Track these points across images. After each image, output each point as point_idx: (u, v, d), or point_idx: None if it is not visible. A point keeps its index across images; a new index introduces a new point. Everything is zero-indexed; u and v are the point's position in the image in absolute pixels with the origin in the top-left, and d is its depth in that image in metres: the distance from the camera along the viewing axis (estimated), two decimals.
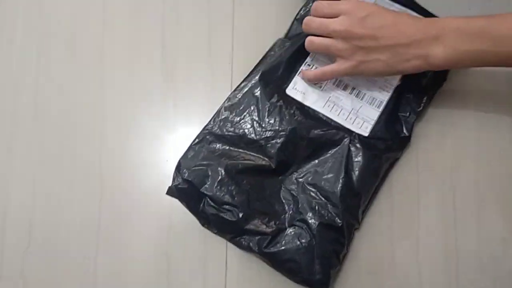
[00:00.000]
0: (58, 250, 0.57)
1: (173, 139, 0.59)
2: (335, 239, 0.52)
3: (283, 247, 0.52)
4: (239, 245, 0.53)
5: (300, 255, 0.51)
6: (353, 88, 0.57)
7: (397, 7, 0.57)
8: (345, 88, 0.57)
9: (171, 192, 0.53)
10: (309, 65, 0.57)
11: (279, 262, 0.52)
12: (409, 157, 0.57)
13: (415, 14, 0.56)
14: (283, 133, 0.54)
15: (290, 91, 0.57)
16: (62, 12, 0.63)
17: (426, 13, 0.57)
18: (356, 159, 0.54)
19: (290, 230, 0.53)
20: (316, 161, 0.54)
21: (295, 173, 0.55)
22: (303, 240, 0.52)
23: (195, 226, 0.54)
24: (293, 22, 0.59)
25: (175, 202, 0.54)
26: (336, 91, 0.57)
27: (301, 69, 0.57)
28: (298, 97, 0.56)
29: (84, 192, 0.58)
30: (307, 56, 0.57)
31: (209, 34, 0.61)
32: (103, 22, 0.62)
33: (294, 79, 0.57)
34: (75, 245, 0.57)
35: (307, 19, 0.54)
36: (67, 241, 0.57)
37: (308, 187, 0.54)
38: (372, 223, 0.56)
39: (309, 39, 0.54)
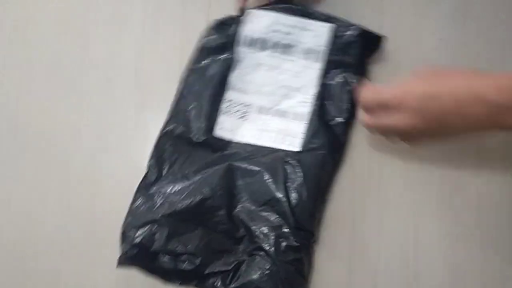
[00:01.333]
0: (22, 269, 0.58)
1: (144, 157, 0.59)
2: (295, 259, 0.53)
3: (247, 279, 0.53)
4: None
5: (264, 283, 0.52)
6: (277, 110, 0.57)
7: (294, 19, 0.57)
8: (267, 112, 0.58)
9: (122, 262, 0.53)
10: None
11: None
12: (371, 183, 0.57)
13: (316, 22, 0.56)
14: (219, 165, 0.55)
15: (218, 132, 0.57)
16: (45, 32, 0.65)
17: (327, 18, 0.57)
18: (294, 176, 0.54)
19: (249, 261, 0.53)
20: (258, 186, 0.55)
21: (240, 202, 0.55)
22: (264, 268, 0.52)
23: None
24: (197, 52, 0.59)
25: None
26: (261, 117, 0.57)
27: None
28: (227, 135, 0.57)
29: (53, 207, 0.59)
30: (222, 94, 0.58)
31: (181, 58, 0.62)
32: (83, 45, 0.64)
33: (219, 119, 0.58)
34: (41, 260, 0.58)
35: (365, 120, 0.52)
36: (34, 257, 0.58)
37: (257, 213, 0.54)
38: (331, 251, 0.56)
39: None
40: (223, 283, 0.53)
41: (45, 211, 0.59)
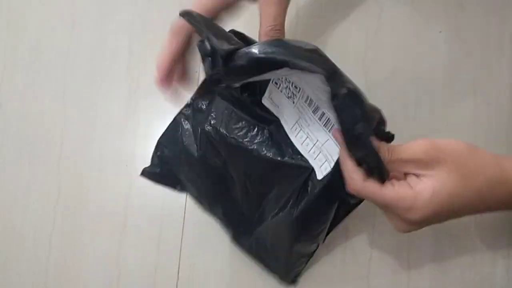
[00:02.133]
0: (10, 254, 0.57)
1: (134, 145, 0.58)
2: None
3: (247, 244, 0.53)
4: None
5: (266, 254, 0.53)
6: (323, 114, 0.45)
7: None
8: (315, 111, 0.46)
9: (145, 174, 0.56)
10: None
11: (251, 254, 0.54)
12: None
13: None
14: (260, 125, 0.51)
15: (265, 100, 0.49)
16: (29, 17, 0.62)
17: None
18: (310, 195, 0.47)
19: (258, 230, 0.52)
20: (275, 186, 0.50)
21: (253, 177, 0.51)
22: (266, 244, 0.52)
23: (148, 232, 0.56)
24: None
25: (130, 206, 0.56)
26: (306, 112, 0.47)
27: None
28: (273, 109, 0.49)
29: (40, 195, 0.58)
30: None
31: None
32: (70, 30, 0.62)
33: (269, 87, 0.48)
34: (28, 248, 0.57)
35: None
36: (20, 245, 0.57)
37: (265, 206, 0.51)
38: (322, 269, 0.55)
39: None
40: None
41: (30, 198, 0.58)
